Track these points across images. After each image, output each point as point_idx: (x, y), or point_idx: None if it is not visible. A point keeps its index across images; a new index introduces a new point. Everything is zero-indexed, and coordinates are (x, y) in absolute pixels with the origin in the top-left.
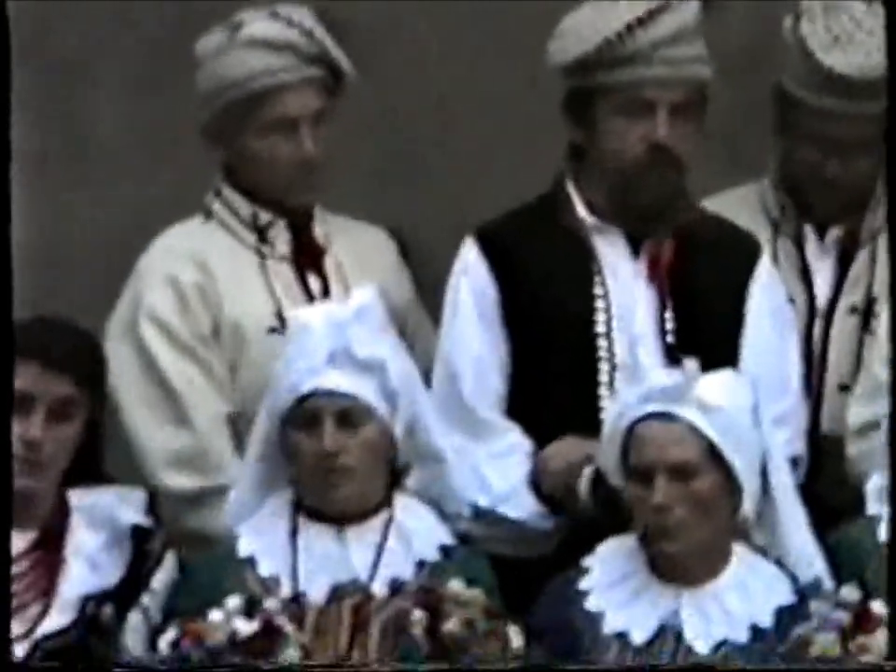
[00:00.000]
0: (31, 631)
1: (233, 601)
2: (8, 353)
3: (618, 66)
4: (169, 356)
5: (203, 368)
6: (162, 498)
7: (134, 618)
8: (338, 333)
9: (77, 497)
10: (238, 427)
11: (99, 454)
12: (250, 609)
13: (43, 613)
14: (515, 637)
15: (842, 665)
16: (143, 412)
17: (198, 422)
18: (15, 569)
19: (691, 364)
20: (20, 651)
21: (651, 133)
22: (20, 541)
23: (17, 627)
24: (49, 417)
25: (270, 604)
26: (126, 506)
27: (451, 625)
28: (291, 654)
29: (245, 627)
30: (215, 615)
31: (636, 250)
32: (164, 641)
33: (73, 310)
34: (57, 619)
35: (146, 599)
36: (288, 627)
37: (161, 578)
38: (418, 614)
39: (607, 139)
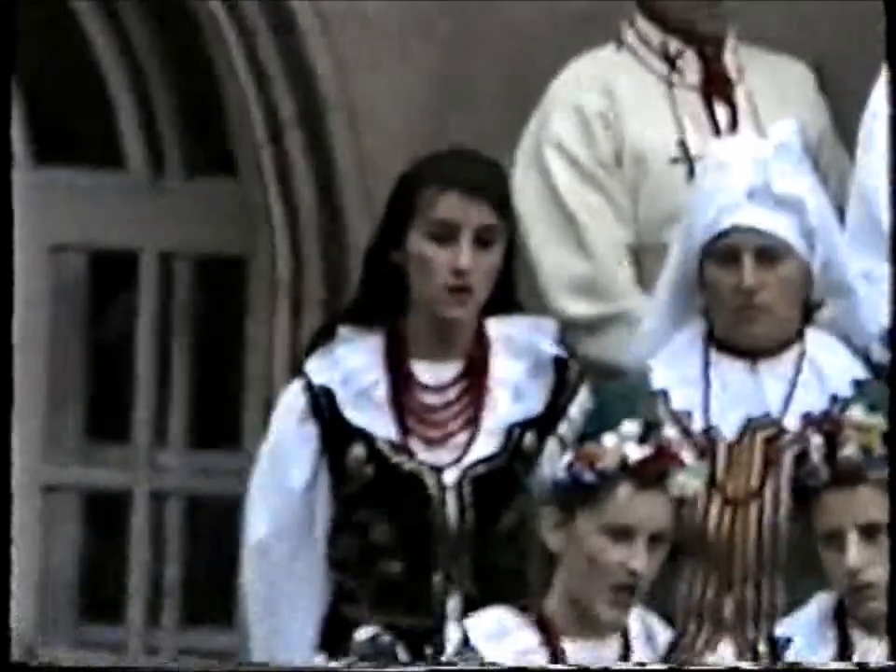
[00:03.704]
0: (460, 459)
1: (629, 426)
2: (7, 350)
3: None
4: (571, 183)
5: (604, 195)
6: (561, 325)
7: (551, 446)
8: (759, 169)
9: (493, 326)
10: (638, 256)
11: (515, 282)
12: (646, 435)
13: (470, 441)
14: None
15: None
16: (544, 237)
17: (598, 249)
18: (441, 399)
19: None
20: (449, 477)
21: None
22: (446, 372)
23: (446, 455)
24: (474, 245)
25: (667, 430)
26: (542, 335)
27: (848, 451)
28: (689, 482)
29: (636, 452)
30: (608, 439)
31: None
32: (561, 464)
33: (481, 142)
34: (484, 446)
35: (562, 427)
36: (688, 456)
37: (577, 407)
38: (817, 440)
39: None
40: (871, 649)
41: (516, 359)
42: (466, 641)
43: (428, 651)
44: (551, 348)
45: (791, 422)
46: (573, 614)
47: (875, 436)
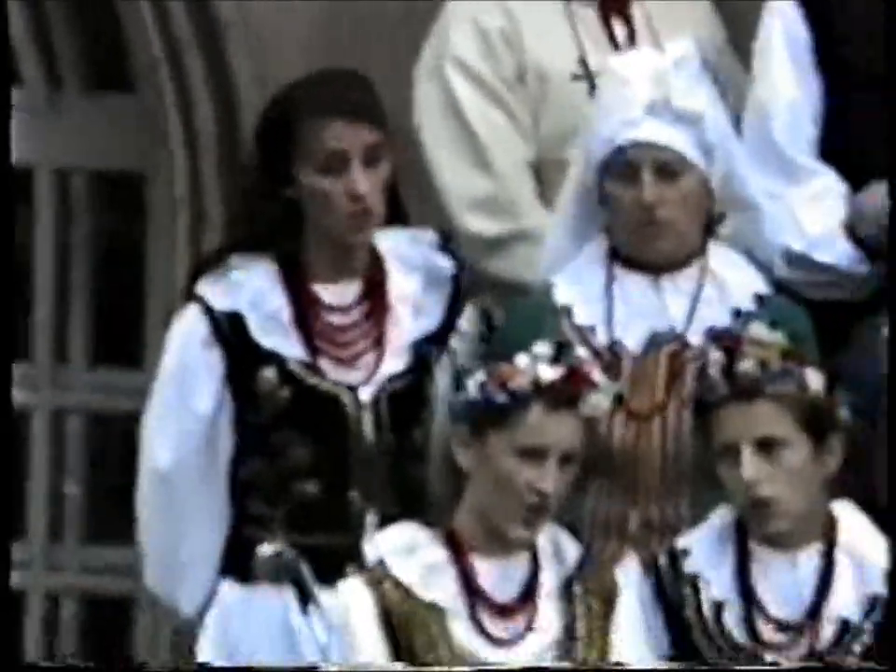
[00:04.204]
0: (370, 377)
1: (541, 347)
2: (8, 352)
3: None
4: (473, 100)
5: (506, 112)
6: (464, 242)
7: (444, 360)
8: (657, 84)
9: (382, 242)
10: (540, 173)
11: (401, 197)
12: (558, 357)
13: (379, 359)
14: (813, 380)
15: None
16: (446, 154)
17: (500, 167)
18: (347, 319)
19: None
20: (365, 395)
21: None
22: (347, 292)
23: (357, 375)
24: (364, 167)
25: (579, 351)
26: (427, 248)
27: (745, 365)
28: (600, 402)
29: (549, 373)
30: (521, 360)
31: None
32: (472, 383)
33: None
34: (393, 363)
35: (453, 341)
36: (598, 376)
37: (467, 320)
38: (716, 355)
39: None
40: (771, 563)
41: (411, 275)
42: (378, 557)
43: (348, 568)
44: (442, 261)
45: (695, 337)
46: (482, 531)
47: (772, 352)
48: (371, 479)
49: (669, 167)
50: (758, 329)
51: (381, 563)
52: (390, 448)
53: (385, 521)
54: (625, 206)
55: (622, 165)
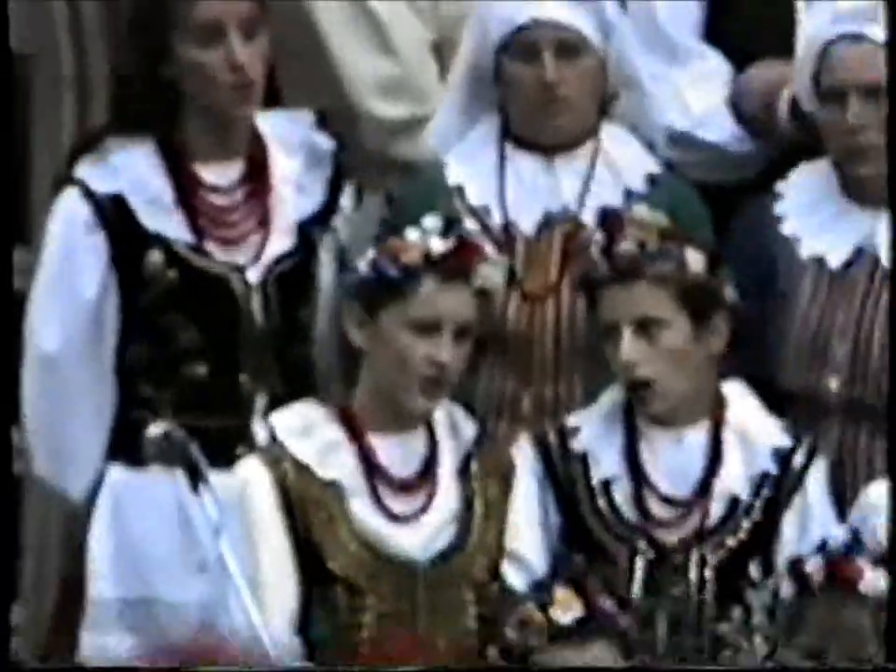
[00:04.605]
0: (257, 258)
1: (431, 221)
2: (10, 349)
3: None
4: None
5: None
6: (367, 125)
7: (329, 240)
8: None
9: (262, 122)
10: (442, 53)
11: (277, 78)
12: (448, 229)
13: (265, 240)
14: (694, 261)
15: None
16: (347, 40)
17: (403, 48)
18: (231, 200)
19: None
20: (253, 276)
21: None
22: (230, 172)
23: (242, 256)
24: (242, 38)
25: (469, 225)
26: (306, 127)
27: (625, 246)
28: (492, 275)
29: (439, 245)
30: (411, 234)
31: None
32: (363, 260)
33: None
34: (279, 243)
35: (336, 220)
36: (489, 248)
37: (348, 199)
38: (598, 236)
39: None
40: (659, 441)
41: (292, 155)
42: (273, 438)
43: (239, 450)
44: (321, 141)
45: (588, 217)
46: (380, 408)
47: (651, 232)
48: (259, 360)
49: (570, 46)
50: (639, 210)
51: (278, 443)
52: (278, 329)
53: (274, 402)
54: (525, 85)
55: (521, 44)
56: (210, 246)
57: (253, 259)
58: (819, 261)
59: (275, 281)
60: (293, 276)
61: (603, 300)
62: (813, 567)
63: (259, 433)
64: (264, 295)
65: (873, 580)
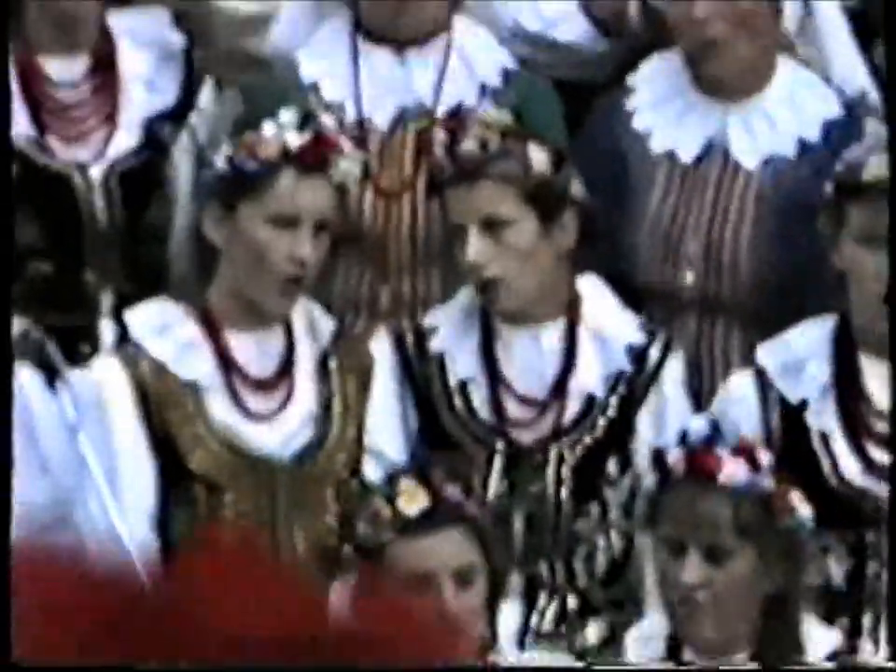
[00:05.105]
0: (101, 155)
1: (287, 115)
2: (8, 348)
3: None
4: None
5: None
6: (219, 21)
7: (184, 137)
8: None
9: (113, 20)
10: None
11: None
12: (304, 123)
13: (109, 136)
14: (538, 159)
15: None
16: None
17: None
18: (75, 96)
19: None
20: (95, 173)
21: None
22: (74, 67)
23: (87, 153)
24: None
25: (325, 119)
26: (159, 23)
27: (467, 145)
28: (349, 169)
29: (296, 139)
30: (267, 128)
31: None
32: (220, 157)
33: None
34: (125, 140)
35: (193, 118)
36: (345, 142)
37: (206, 96)
38: (441, 135)
39: None
40: (514, 340)
41: (142, 51)
42: (125, 336)
43: (84, 349)
44: (174, 37)
45: (442, 112)
46: (237, 307)
47: (493, 131)
48: (104, 259)
49: None
50: (484, 110)
51: (134, 342)
52: (123, 228)
53: (121, 301)
54: None
55: None
56: (53, 142)
57: (96, 156)
58: (671, 156)
59: (119, 178)
60: (140, 174)
61: (449, 200)
62: (674, 457)
63: (106, 332)
64: (107, 191)
65: (732, 470)
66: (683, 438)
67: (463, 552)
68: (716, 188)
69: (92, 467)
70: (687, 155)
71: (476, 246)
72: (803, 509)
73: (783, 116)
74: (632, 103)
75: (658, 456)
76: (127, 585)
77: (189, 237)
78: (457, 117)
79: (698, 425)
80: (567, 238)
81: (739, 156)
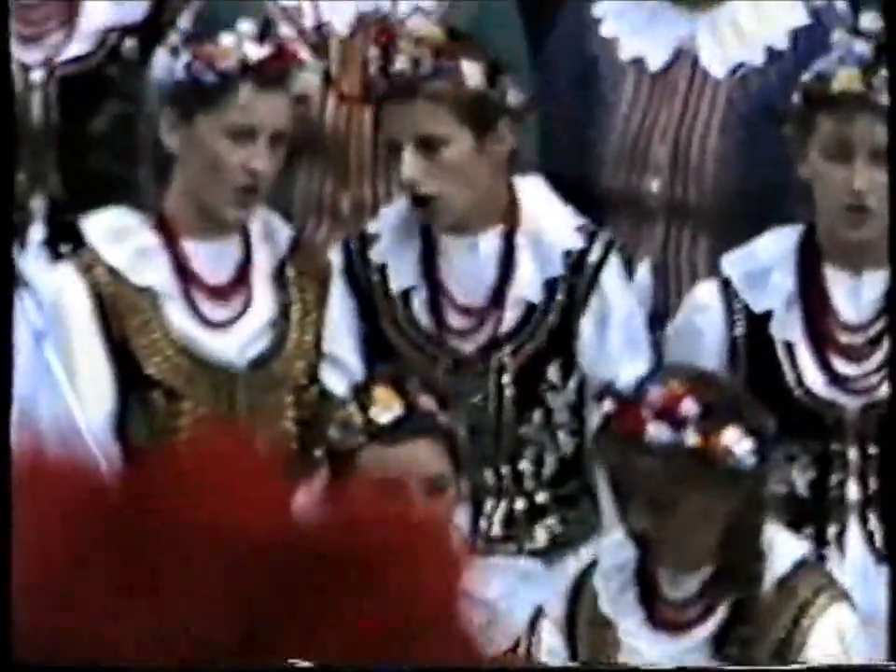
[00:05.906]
0: (51, 59)
1: (246, 25)
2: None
3: None
4: None
5: None
6: None
7: (162, 56)
8: None
9: None
10: None
11: None
12: (264, 35)
13: (64, 41)
14: (471, 74)
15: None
16: None
17: None
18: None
19: None
20: (36, 76)
21: None
22: None
23: (36, 55)
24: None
25: (285, 30)
26: None
27: (399, 64)
28: (309, 81)
29: (256, 51)
30: (226, 39)
31: None
32: (178, 65)
33: None
34: (76, 47)
35: (173, 37)
36: (305, 54)
37: (186, 17)
38: (373, 52)
39: None
40: (454, 249)
41: None
42: (80, 243)
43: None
44: None
45: (402, 10)
46: (194, 214)
47: (425, 48)
48: (38, 162)
49: None
50: (414, 23)
51: (90, 248)
52: (61, 132)
53: (53, 207)
54: None
55: None
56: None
57: (44, 60)
58: (639, 63)
59: (60, 82)
60: (83, 80)
61: (384, 117)
62: (607, 406)
63: (35, 234)
64: (45, 94)
65: (655, 431)
66: (610, 388)
67: (434, 461)
68: (684, 95)
69: (57, 371)
70: (655, 62)
71: (411, 164)
72: (740, 447)
73: (751, 24)
74: (599, 9)
75: (600, 397)
76: (89, 478)
77: (146, 143)
78: (385, 33)
79: (627, 374)
80: (504, 148)
81: (707, 64)
